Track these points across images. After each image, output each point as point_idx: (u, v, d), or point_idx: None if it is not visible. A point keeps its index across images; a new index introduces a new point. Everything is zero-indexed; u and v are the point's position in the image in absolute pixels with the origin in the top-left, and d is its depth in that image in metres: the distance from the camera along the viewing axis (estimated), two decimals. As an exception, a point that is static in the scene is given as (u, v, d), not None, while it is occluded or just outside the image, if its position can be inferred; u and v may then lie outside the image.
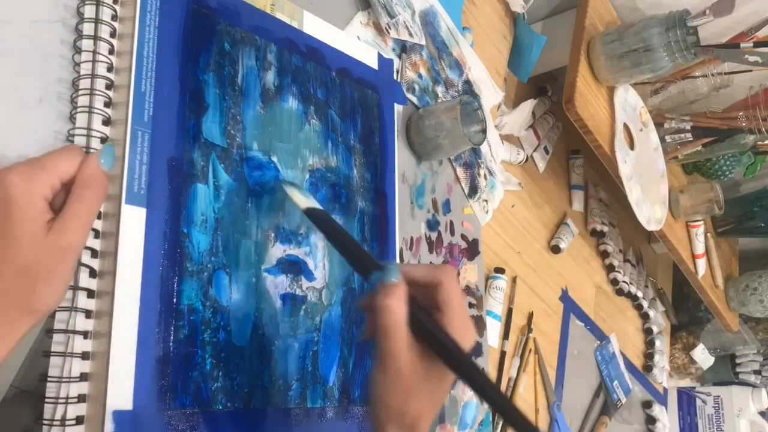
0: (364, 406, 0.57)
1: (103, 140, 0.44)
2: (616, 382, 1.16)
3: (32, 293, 0.35)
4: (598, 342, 1.16)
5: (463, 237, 0.80)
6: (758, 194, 1.38)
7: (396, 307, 0.39)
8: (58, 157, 0.37)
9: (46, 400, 0.39)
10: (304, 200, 0.50)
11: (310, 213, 0.49)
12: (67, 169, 0.37)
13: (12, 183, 0.35)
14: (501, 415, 0.42)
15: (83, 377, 0.40)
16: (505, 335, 0.88)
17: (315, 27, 0.61)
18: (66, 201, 0.37)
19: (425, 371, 0.40)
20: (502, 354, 0.88)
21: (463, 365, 0.40)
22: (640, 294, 1.29)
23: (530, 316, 0.96)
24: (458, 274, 0.78)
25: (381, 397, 0.40)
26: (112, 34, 0.45)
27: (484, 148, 0.87)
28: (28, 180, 0.35)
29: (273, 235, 0.53)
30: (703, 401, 1.48)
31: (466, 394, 0.75)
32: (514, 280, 0.93)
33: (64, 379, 0.39)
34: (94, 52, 0.44)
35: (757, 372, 1.60)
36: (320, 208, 0.50)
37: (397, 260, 0.65)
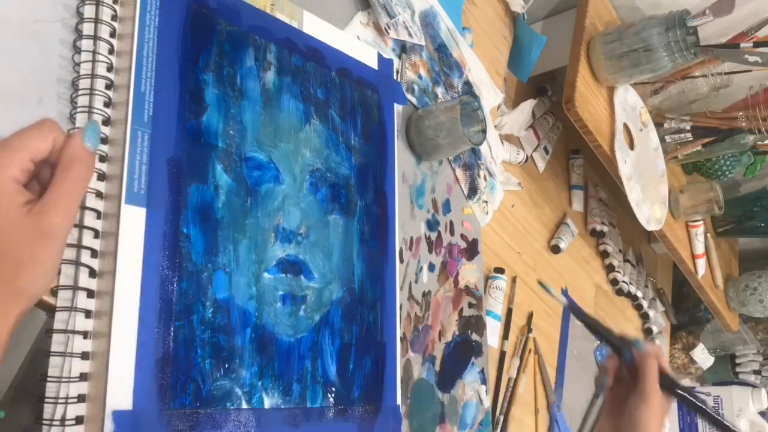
0: (362, 405, 0.57)
1: (104, 141, 0.44)
2: None
3: (17, 276, 0.34)
4: (598, 342, 1.16)
5: (462, 237, 0.80)
6: (758, 194, 1.38)
7: (653, 363, 0.60)
8: (27, 136, 0.36)
9: (46, 400, 0.39)
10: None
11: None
12: (40, 147, 0.36)
13: None
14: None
15: (83, 377, 0.40)
16: (505, 335, 0.89)
17: (315, 27, 0.61)
18: (50, 182, 0.36)
19: (663, 401, 0.60)
20: (502, 354, 0.88)
21: (685, 395, 0.62)
22: (639, 294, 1.29)
23: (530, 316, 0.96)
24: (457, 274, 0.78)
25: (641, 421, 0.58)
26: (112, 34, 0.45)
27: (483, 149, 0.87)
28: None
29: (273, 235, 0.53)
30: (703, 401, 1.48)
31: (466, 394, 0.75)
32: (514, 280, 0.93)
33: (63, 379, 0.39)
34: (94, 52, 0.44)
35: (756, 372, 1.60)
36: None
37: (397, 258, 0.65)
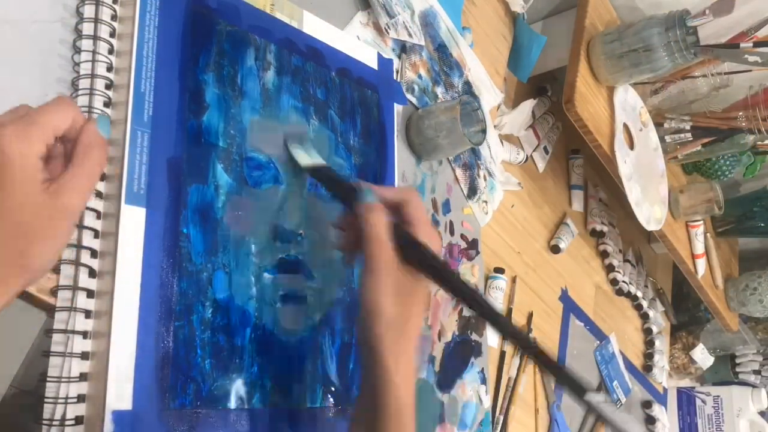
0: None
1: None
2: (615, 382, 1.17)
3: (27, 251, 0.35)
4: (598, 342, 1.16)
5: (462, 237, 0.80)
6: (758, 194, 1.38)
7: (378, 218, 0.46)
8: (51, 112, 0.36)
9: (46, 400, 0.39)
10: (307, 159, 0.54)
11: (312, 171, 0.54)
12: (61, 125, 0.37)
13: (6, 141, 0.34)
14: (475, 311, 0.47)
15: (83, 377, 0.40)
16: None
17: (315, 27, 0.61)
18: (69, 163, 0.37)
19: (406, 276, 0.45)
20: (502, 354, 0.88)
21: (436, 265, 0.46)
22: (639, 294, 1.29)
23: (530, 316, 0.96)
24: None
25: (372, 299, 0.44)
26: (112, 34, 0.45)
27: (483, 149, 0.87)
28: (23, 138, 0.35)
29: (273, 235, 0.53)
30: (703, 401, 1.48)
31: (465, 394, 0.75)
32: (513, 280, 0.93)
33: (63, 379, 0.39)
34: (94, 52, 0.44)
35: (756, 372, 1.60)
36: (323, 164, 0.54)
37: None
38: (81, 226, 0.42)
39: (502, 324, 0.47)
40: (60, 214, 0.36)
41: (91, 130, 0.38)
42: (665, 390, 1.43)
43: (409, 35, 0.74)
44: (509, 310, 0.91)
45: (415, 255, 0.46)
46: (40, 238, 0.35)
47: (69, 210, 0.36)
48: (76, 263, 0.41)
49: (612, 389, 1.15)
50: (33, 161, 0.35)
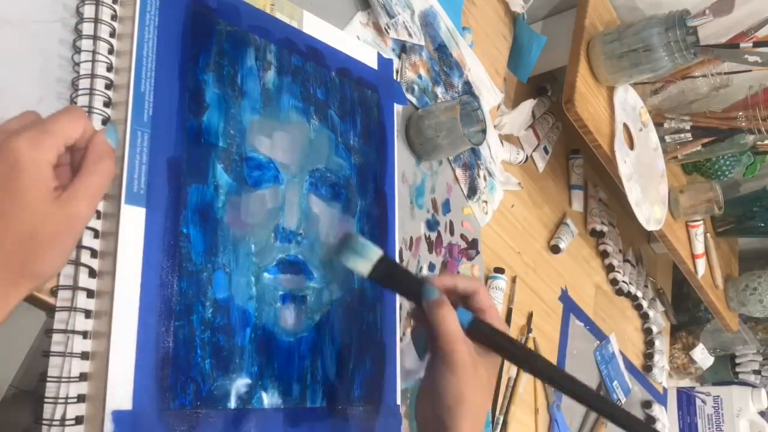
0: (362, 405, 0.57)
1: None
2: (615, 383, 1.17)
3: (36, 258, 0.35)
4: (598, 342, 1.16)
5: (462, 237, 0.80)
6: (758, 194, 1.38)
7: (447, 314, 0.46)
8: (63, 121, 0.37)
9: (46, 400, 0.39)
10: (366, 265, 0.48)
11: (377, 276, 0.48)
12: (72, 134, 0.37)
13: (19, 149, 0.34)
14: (557, 387, 0.48)
15: (83, 377, 0.40)
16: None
17: (315, 27, 0.61)
18: (78, 172, 0.37)
19: (482, 359, 0.47)
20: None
21: (518, 350, 0.48)
22: (639, 294, 1.29)
23: (530, 316, 0.96)
24: (457, 274, 0.78)
25: (455, 393, 0.45)
26: (112, 34, 0.45)
27: (483, 149, 0.87)
28: (35, 146, 0.35)
29: (273, 235, 0.53)
30: (703, 401, 1.48)
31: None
32: (513, 279, 0.93)
33: (63, 379, 0.39)
34: (94, 52, 0.44)
35: (756, 372, 1.60)
36: (382, 257, 0.48)
37: (397, 258, 0.65)
38: (81, 226, 0.42)
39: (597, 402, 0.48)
40: (69, 222, 0.36)
41: (101, 139, 0.38)
42: (665, 390, 1.43)
43: (409, 35, 0.74)
44: (509, 310, 0.91)
45: (494, 342, 0.47)
46: (49, 245, 0.35)
47: (78, 218, 0.37)
48: (76, 263, 0.41)
49: (612, 389, 1.15)
50: (45, 170, 0.35)
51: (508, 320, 0.90)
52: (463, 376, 0.45)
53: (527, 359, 0.48)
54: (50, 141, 0.36)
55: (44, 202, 0.35)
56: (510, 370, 0.89)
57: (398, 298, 0.64)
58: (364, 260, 0.47)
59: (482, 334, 0.47)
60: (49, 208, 0.35)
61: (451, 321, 0.46)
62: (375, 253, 0.48)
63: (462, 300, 0.49)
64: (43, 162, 0.35)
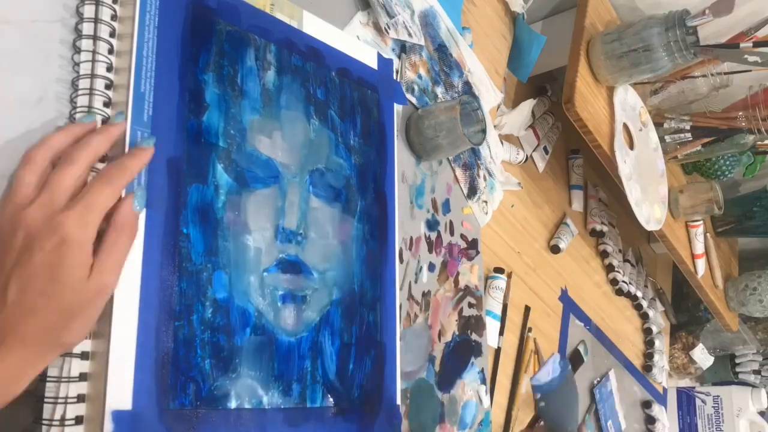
0: (362, 405, 0.57)
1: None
2: (609, 422, 1.15)
3: (66, 330, 0.37)
4: (598, 379, 1.15)
5: (462, 237, 0.80)
6: (758, 194, 1.38)
7: None
8: (106, 193, 0.38)
9: (46, 399, 0.39)
10: None
11: None
12: (109, 206, 0.39)
13: (69, 229, 0.36)
14: None
15: (82, 377, 0.40)
16: (501, 331, 0.87)
17: (314, 27, 0.61)
18: (102, 243, 0.38)
19: None
20: (498, 351, 0.88)
21: None
22: (639, 294, 1.29)
23: (527, 310, 0.95)
24: (457, 274, 0.78)
25: None
26: (112, 34, 0.45)
27: (483, 149, 0.87)
28: (82, 226, 0.36)
29: (273, 235, 0.53)
30: (703, 401, 1.48)
31: (465, 394, 0.75)
32: (509, 276, 0.93)
33: (63, 379, 0.39)
34: (94, 52, 0.44)
35: (756, 372, 1.60)
36: None
37: (397, 258, 0.65)
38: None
39: None
40: (99, 294, 0.38)
41: (126, 209, 0.40)
42: (665, 390, 1.43)
43: (409, 35, 0.74)
44: (504, 306, 0.90)
45: None
46: (79, 316, 0.37)
47: (106, 290, 0.39)
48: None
49: (605, 428, 1.14)
50: (88, 248, 0.37)
51: (503, 316, 0.89)
52: None
53: None
54: (94, 219, 0.37)
55: (83, 279, 0.37)
56: (510, 370, 0.89)
57: (398, 299, 0.64)
58: None
59: None
60: (84, 284, 0.37)
61: None
62: None
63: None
64: (87, 241, 0.37)
